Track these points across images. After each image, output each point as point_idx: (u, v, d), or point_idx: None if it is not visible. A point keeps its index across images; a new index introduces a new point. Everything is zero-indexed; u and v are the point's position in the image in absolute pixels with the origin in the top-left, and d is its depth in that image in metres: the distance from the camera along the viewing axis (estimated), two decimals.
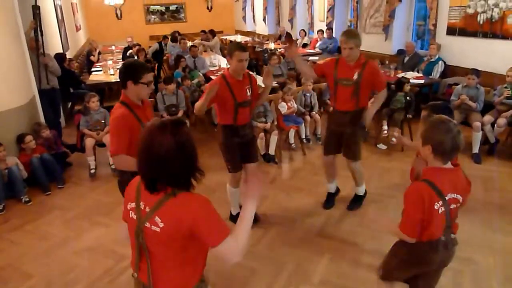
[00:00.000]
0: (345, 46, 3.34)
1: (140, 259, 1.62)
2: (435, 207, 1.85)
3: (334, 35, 9.87)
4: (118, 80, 2.58)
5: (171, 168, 1.46)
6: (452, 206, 1.91)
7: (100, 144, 5.02)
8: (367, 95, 3.59)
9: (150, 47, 10.96)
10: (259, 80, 3.82)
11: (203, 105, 3.09)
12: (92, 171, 4.97)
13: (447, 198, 1.86)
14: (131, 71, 2.49)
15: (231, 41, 11.34)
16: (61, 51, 7.85)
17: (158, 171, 1.47)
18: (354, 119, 3.53)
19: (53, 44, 7.51)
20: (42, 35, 5.54)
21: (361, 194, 3.98)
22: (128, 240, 1.68)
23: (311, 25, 11.87)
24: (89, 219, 3.99)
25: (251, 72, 3.52)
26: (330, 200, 4.03)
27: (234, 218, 3.74)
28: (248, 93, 3.33)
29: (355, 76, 3.38)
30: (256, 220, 3.75)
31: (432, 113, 2.39)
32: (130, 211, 1.61)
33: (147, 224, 1.52)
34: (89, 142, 4.93)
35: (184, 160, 1.47)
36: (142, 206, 1.55)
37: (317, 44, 10.23)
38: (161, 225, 1.49)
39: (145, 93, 2.54)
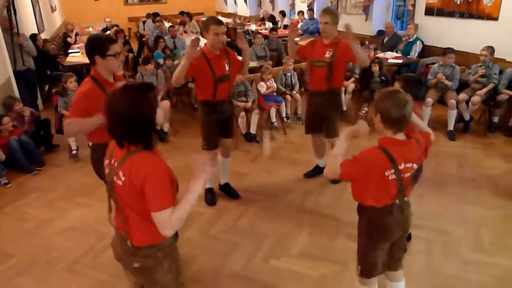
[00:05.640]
0: (321, 20, 3.53)
1: (116, 212, 1.73)
2: (386, 174, 1.91)
3: (315, 16, 9.85)
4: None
5: (126, 124, 1.55)
6: (406, 174, 1.98)
7: None
8: (341, 75, 3.69)
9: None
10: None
11: (182, 72, 3.07)
12: (74, 152, 4.91)
13: (400, 167, 1.92)
14: (96, 44, 2.40)
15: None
16: (36, 32, 7.63)
17: (116, 125, 1.58)
18: (327, 99, 3.65)
19: (28, 25, 7.29)
20: (15, 14, 5.39)
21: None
22: None
23: (293, 6, 11.80)
24: (71, 200, 3.97)
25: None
26: (314, 170, 4.16)
27: (206, 192, 3.80)
28: (227, 68, 3.34)
29: (327, 55, 3.51)
30: (236, 197, 3.85)
31: (405, 85, 2.48)
32: (106, 168, 1.72)
33: (114, 178, 1.63)
34: None
35: (138, 119, 1.55)
36: (112, 162, 1.67)
37: (298, 25, 10.18)
38: (123, 178, 1.59)
39: (115, 65, 2.45)
